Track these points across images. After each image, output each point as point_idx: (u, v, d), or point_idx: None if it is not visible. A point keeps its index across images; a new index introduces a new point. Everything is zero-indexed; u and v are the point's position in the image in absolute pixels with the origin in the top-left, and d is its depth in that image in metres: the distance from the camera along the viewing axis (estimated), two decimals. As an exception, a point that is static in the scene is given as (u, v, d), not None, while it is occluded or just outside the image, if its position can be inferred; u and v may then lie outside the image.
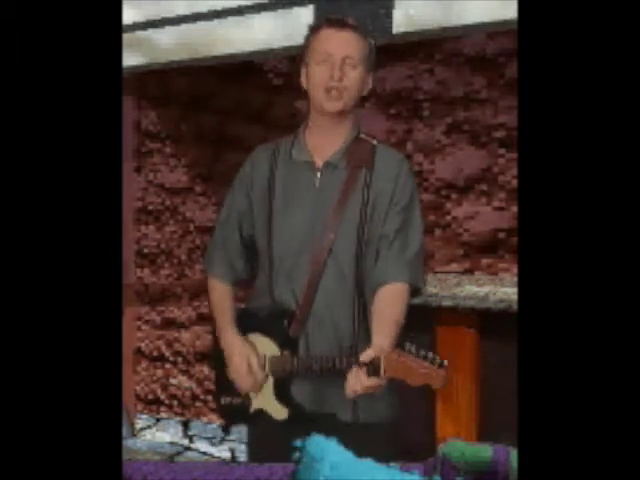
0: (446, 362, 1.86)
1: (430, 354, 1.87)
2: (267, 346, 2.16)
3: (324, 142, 2.15)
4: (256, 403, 2.19)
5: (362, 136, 2.18)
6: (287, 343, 2.12)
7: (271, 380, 2.15)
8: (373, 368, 1.90)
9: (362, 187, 2.11)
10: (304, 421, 2.08)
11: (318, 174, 2.13)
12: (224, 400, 2.26)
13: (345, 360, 1.99)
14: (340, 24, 2.09)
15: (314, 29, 2.13)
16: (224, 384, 2.25)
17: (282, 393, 2.14)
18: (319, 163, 2.14)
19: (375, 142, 2.19)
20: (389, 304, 2.06)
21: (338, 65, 2.05)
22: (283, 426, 2.12)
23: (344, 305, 2.11)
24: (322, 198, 2.12)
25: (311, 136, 2.17)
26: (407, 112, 3.82)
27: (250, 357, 2.15)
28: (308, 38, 2.14)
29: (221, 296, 2.27)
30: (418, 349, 1.87)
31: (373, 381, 1.91)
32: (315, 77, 2.09)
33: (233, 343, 2.18)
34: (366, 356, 1.92)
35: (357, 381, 1.93)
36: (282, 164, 2.18)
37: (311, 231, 2.11)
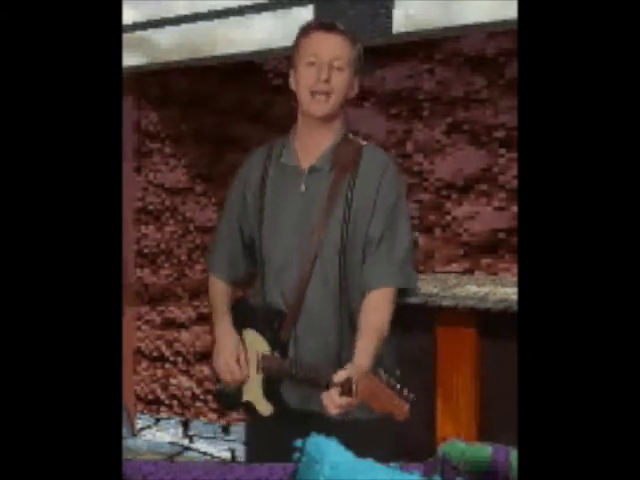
0: (413, 397, 1.86)
1: (398, 386, 1.87)
2: (259, 344, 2.18)
3: (311, 145, 2.16)
4: (245, 396, 2.23)
5: (349, 137, 2.18)
6: (277, 344, 2.14)
7: (260, 377, 2.17)
8: (347, 388, 1.90)
9: (346, 191, 2.11)
10: (290, 418, 2.10)
11: (303, 178, 2.14)
12: (219, 385, 2.30)
13: (326, 376, 1.98)
14: (328, 27, 2.11)
15: (303, 32, 2.14)
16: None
17: (270, 391, 2.16)
18: (305, 167, 2.15)
19: (363, 143, 2.19)
20: (373, 313, 2.07)
21: (325, 67, 2.07)
22: (279, 425, 2.14)
23: (330, 309, 2.13)
24: (308, 202, 2.13)
25: (299, 139, 2.18)
26: (407, 112, 3.82)
27: (239, 353, 2.19)
28: (297, 40, 2.15)
29: (219, 292, 2.30)
30: (389, 379, 1.88)
31: (345, 400, 1.91)
32: (302, 79, 2.10)
33: (225, 338, 2.22)
34: (339, 377, 1.92)
35: (330, 401, 1.93)
36: (273, 167, 2.21)
37: (298, 235, 2.12)
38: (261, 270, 2.20)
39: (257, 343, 2.19)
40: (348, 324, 2.13)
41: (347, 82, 2.10)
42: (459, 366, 3.10)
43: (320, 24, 2.14)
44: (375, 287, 2.09)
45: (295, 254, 2.12)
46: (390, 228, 2.11)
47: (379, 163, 2.15)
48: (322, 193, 2.11)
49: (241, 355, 2.19)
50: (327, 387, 1.95)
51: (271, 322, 2.15)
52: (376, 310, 2.08)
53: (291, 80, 2.17)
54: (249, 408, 2.23)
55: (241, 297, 2.35)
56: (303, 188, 2.14)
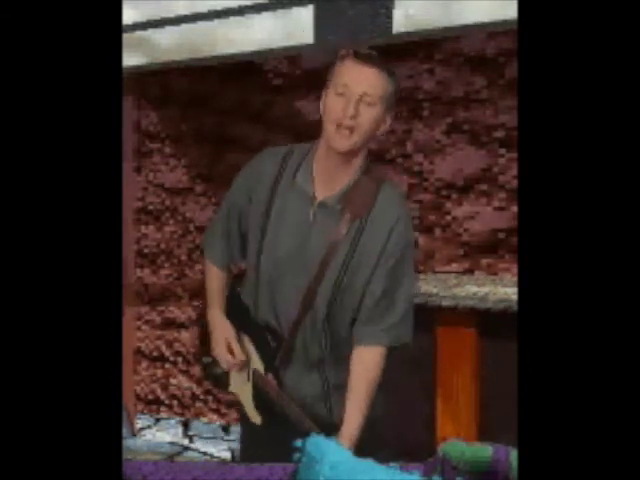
0: None
1: None
2: (254, 358, 2.19)
3: (328, 177, 2.08)
4: (232, 389, 2.26)
5: (369, 174, 2.09)
6: (270, 365, 2.15)
7: (251, 387, 2.19)
8: None
9: (352, 237, 2.05)
10: (282, 424, 2.10)
11: (313, 209, 2.07)
12: (205, 359, 2.31)
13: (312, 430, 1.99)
14: (365, 59, 2.00)
15: (341, 57, 2.04)
16: (207, 345, 2.30)
17: (260, 402, 2.18)
18: (317, 197, 2.08)
19: (381, 182, 2.11)
20: (364, 372, 2.08)
21: (354, 101, 1.97)
22: (272, 430, 2.15)
23: (316, 346, 2.12)
24: (313, 234, 2.07)
25: (318, 164, 2.09)
26: (407, 112, 3.82)
27: (230, 339, 2.21)
28: (334, 66, 2.05)
29: (214, 278, 2.29)
30: None
31: None
32: (329, 108, 2.01)
33: (215, 323, 2.24)
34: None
35: None
36: (286, 182, 2.11)
37: (298, 265, 2.08)
38: (254, 281, 2.16)
39: (250, 353, 2.20)
40: (333, 363, 2.14)
41: (375, 118, 2.01)
42: (459, 366, 3.10)
43: (356, 53, 2.02)
44: (366, 344, 2.08)
45: (292, 283, 2.09)
46: (392, 285, 2.06)
47: (392, 215, 2.07)
48: (329, 230, 2.05)
49: (232, 342, 2.20)
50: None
51: (266, 340, 2.15)
52: (367, 370, 2.08)
53: (321, 103, 2.07)
54: (239, 406, 2.25)
55: (236, 290, 2.32)
56: (311, 217, 2.07)
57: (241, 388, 2.23)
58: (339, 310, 2.09)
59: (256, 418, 2.18)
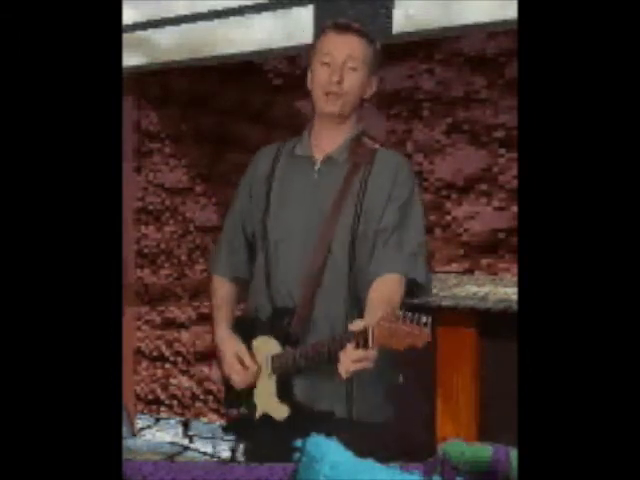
0: (430, 319, 1.84)
1: (416, 315, 1.84)
2: (271, 345, 2.15)
3: (326, 140, 2.17)
4: (260, 407, 2.19)
5: (364, 138, 2.19)
6: (289, 340, 2.12)
7: (274, 379, 2.15)
8: (362, 339, 1.87)
9: (359, 184, 2.11)
10: (303, 419, 2.08)
11: (317, 168, 2.15)
12: (231, 412, 2.27)
13: (338, 342, 1.95)
14: (344, 28, 2.13)
15: (321, 31, 2.17)
16: (232, 398, 2.26)
17: (284, 392, 2.14)
18: (319, 157, 2.16)
19: (377, 146, 2.19)
20: (380, 290, 2.04)
21: (338, 67, 2.09)
22: (281, 425, 2.12)
23: (339, 303, 2.11)
24: (320, 193, 2.13)
25: (315, 135, 2.19)
26: (407, 112, 3.82)
27: (239, 352, 2.16)
28: (316, 38, 2.18)
29: (221, 293, 2.29)
30: (405, 312, 1.84)
31: (362, 353, 1.87)
32: (316, 78, 2.12)
33: (223, 338, 2.21)
34: (356, 325, 1.89)
35: (347, 358, 1.89)
36: (284, 159, 2.21)
37: (308, 226, 2.11)
38: (264, 263, 2.17)
39: (267, 346, 2.16)
40: (357, 315, 2.09)
41: (361, 82, 2.12)
42: (459, 366, 3.10)
43: (336, 24, 2.15)
44: (381, 274, 2.06)
45: (304, 246, 2.11)
46: (402, 222, 2.10)
47: (393, 162, 2.16)
48: (335, 183, 2.12)
49: (244, 355, 2.16)
50: (339, 350, 1.91)
51: (280, 320, 2.13)
52: (384, 286, 2.05)
53: (308, 78, 2.18)
54: (265, 422, 2.17)
55: (242, 315, 2.31)
56: (316, 177, 2.15)
57: (266, 394, 2.17)
58: (361, 260, 2.09)
59: (281, 413, 2.13)
